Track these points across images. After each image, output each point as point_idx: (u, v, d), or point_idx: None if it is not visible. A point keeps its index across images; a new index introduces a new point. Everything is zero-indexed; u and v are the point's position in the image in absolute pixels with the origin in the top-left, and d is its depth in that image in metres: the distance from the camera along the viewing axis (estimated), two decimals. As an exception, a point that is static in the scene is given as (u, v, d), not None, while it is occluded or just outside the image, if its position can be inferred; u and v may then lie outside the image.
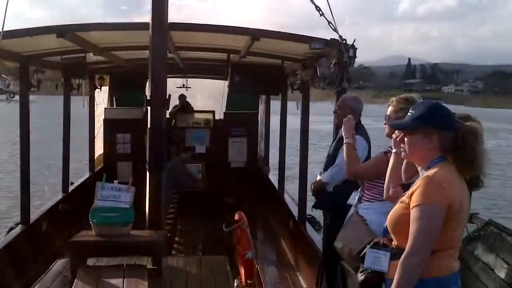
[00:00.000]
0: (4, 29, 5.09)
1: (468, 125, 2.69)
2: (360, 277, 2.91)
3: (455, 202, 2.60)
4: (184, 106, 13.54)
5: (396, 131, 3.11)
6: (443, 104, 2.84)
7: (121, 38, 7.32)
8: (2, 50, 6.07)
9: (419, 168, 2.82)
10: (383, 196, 3.80)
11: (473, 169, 2.69)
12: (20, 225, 7.62)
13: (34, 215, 8.04)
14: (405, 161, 3.10)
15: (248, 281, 5.82)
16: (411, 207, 2.63)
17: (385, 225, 2.90)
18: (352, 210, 4.15)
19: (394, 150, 3.23)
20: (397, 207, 2.78)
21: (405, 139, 2.82)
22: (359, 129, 4.53)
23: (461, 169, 2.68)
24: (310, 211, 7.72)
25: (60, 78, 8.92)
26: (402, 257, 2.61)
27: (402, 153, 2.88)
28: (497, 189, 19.66)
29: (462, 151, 2.66)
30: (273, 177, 11.21)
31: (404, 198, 2.73)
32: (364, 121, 5.28)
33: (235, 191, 9.39)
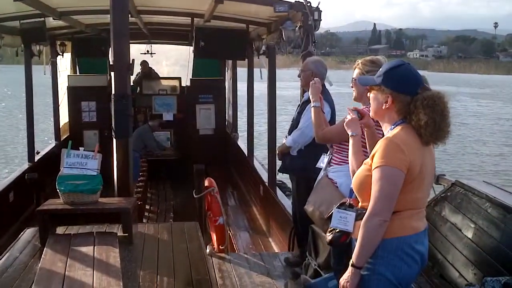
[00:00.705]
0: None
1: (427, 92, 2.67)
2: (328, 236, 2.94)
3: (415, 164, 2.63)
4: (148, 72, 13.29)
5: (349, 114, 3.09)
6: (411, 66, 2.81)
7: (80, 1, 7.09)
8: None
9: (384, 129, 2.83)
10: None
11: (430, 138, 2.66)
12: None
13: (0, 185, 7.89)
14: (368, 133, 3.08)
15: (220, 246, 5.86)
16: (372, 168, 2.66)
17: (351, 187, 2.92)
18: (321, 173, 4.17)
19: (350, 133, 3.12)
20: (361, 169, 2.80)
21: (370, 95, 2.84)
22: (323, 92, 4.50)
23: (419, 135, 2.67)
24: (278, 176, 7.78)
25: (20, 44, 8.63)
26: (364, 218, 2.65)
27: (370, 112, 2.89)
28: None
29: (416, 117, 2.65)
30: (243, 143, 11.23)
31: (367, 160, 2.76)
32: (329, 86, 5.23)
33: (205, 158, 9.36)
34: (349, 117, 3.11)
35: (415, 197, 2.72)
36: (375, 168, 2.63)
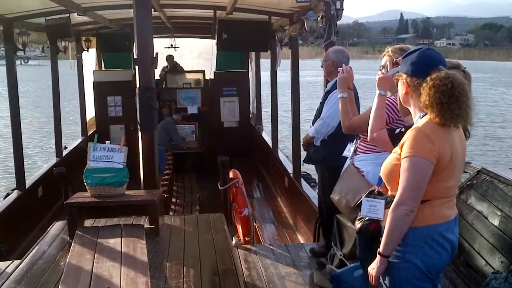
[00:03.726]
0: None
1: (436, 73, 2.60)
2: (357, 225, 2.93)
3: (445, 153, 2.59)
4: (173, 66, 13.38)
5: (381, 71, 3.11)
6: (430, 51, 2.77)
7: None
8: None
9: (413, 117, 2.80)
10: (377, 147, 3.79)
11: (444, 120, 2.58)
12: (16, 191, 7.62)
13: (29, 180, 8.05)
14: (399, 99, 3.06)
15: (246, 237, 5.88)
16: (401, 158, 2.63)
17: (380, 175, 2.90)
18: (347, 162, 4.13)
19: (377, 91, 3.17)
20: (390, 158, 2.78)
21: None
22: None
23: (434, 120, 2.60)
24: (303, 167, 7.75)
25: (45, 40, 8.75)
26: (391, 207, 2.64)
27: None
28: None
29: (422, 98, 2.60)
30: (267, 135, 11.22)
31: (397, 148, 2.73)
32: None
33: (229, 150, 9.40)
34: (380, 74, 3.13)
35: (446, 186, 2.69)
36: (403, 158, 2.61)
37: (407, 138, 2.63)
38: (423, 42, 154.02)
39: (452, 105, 2.55)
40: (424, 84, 2.61)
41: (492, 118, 28.61)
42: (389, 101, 3.52)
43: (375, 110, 3.19)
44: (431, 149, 2.57)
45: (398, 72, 2.81)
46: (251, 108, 12.71)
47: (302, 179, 7.88)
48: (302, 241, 6.68)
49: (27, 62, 64.69)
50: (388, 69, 3.04)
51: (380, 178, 2.93)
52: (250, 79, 12.63)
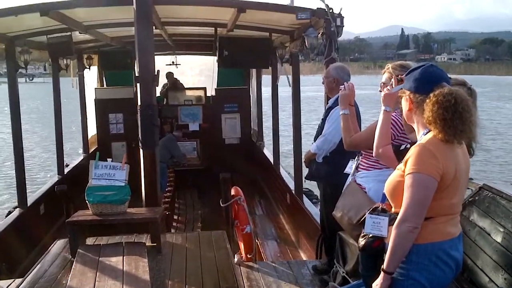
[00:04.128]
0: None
1: (439, 89, 2.60)
2: (361, 242, 2.91)
3: (449, 170, 2.59)
4: (173, 83, 13.43)
5: (387, 87, 3.12)
6: (433, 67, 2.78)
7: (105, 14, 7.21)
8: None
9: (417, 134, 2.80)
10: (380, 163, 3.78)
11: (447, 137, 2.57)
12: (18, 208, 7.61)
13: (31, 198, 8.04)
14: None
15: (248, 255, 5.84)
16: (405, 175, 2.62)
17: (383, 192, 2.89)
18: (349, 179, 4.12)
19: (383, 107, 3.18)
20: (394, 174, 2.78)
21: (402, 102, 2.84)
22: None
23: (438, 136, 2.59)
24: (305, 183, 7.73)
25: (47, 59, 8.81)
26: (394, 224, 2.62)
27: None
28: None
29: (425, 114, 2.60)
30: (268, 152, 11.21)
31: (401, 165, 2.72)
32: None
33: (231, 167, 9.39)
34: (385, 91, 3.13)
35: (450, 203, 2.68)
36: (407, 174, 2.60)
37: (411, 154, 2.63)
38: (424, 57, 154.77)
39: (456, 121, 2.55)
40: (427, 100, 2.61)
41: (484, 131, 28.61)
42: (392, 117, 3.53)
43: (381, 126, 3.19)
44: (435, 166, 2.56)
45: (401, 89, 2.81)
46: (252, 125, 12.73)
47: (304, 196, 7.86)
48: (304, 258, 6.64)
49: (32, 79, 65.21)
50: (393, 86, 3.05)
51: (383, 195, 2.92)
52: (251, 95, 12.68)
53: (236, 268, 4.99)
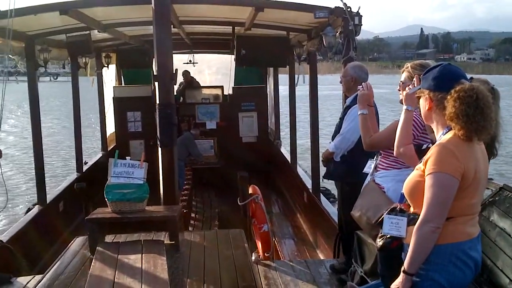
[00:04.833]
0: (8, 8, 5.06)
1: (460, 85, 2.58)
2: (379, 242, 2.89)
3: (469, 169, 2.56)
4: (190, 82, 13.47)
5: (408, 86, 3.10)
6: (450, 66, 2.75)
7: (124, 13, 7.27)
8: (7, 30, 6.04)
9: (436, 134, 2.77)
10: (399, 163, 3.76)
11: (468, 133, 2.54)
12: (37, 206, 7.70)
13: (50, 195, 8.13)
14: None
15: (265, 253, 5.84)
16: (425, 175, 2.60)
17: (402, 192, 2.87)
18: (368, 178, 4.10)
19: (405, 106, 3.16)
20: (413, 174, 2.75)
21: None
22: None
23: (459, 132, 2.57)
24: (323, 182, 7.70)
25: (66, 57, 8.89)
26: (416, 225, 2.60)
27: None
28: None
29: (447, 111, 2.57)
30: (286, 150, 11.20)
31: (420, 165, 2.70)
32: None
33: (248, 165, 9.39)
34: (406, 90, 3.11)
35: (470, 203, 2.65)
36: (428, 174, 2.58)
37: (431, 154, 2.60)
38: (444, 57, 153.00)
39: (477, 116, 2.52)
40: (448, 97, 2.58)
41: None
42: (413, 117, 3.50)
43: (402, 125, 3.17)
44: (456, 165, 2.53)
45: (419, 88, 2.79)
46: (269, 123, 12.73)
47: (321, 195, 7.84)
48: (322, 257, 6.62)
49: (57, 78, 65.86)
50: (415, 85, 3.02)
51: (402, 195, 2.90)
52: (268, 94, 12.67)
53: (254, 267, 4.99)
